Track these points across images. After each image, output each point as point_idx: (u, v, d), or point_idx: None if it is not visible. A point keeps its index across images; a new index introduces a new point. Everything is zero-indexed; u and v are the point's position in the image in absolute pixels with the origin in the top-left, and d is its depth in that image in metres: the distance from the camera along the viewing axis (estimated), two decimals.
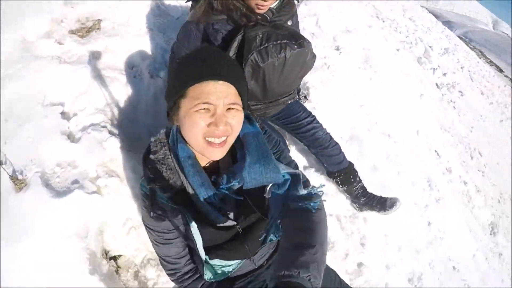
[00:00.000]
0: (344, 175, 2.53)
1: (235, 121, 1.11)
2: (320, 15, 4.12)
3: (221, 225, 1.16)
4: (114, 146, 1.95)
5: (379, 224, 2.71)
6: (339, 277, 1.87)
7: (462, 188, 4.21)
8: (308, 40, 1.79)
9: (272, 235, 1.28)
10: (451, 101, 5.66)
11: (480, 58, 16.95)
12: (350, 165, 2.55)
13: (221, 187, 1.12)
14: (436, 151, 3.99)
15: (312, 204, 1.19)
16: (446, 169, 3.99)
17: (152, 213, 1.15)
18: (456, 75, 7.12)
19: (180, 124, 1.14)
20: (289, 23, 1.95)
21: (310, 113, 2.38)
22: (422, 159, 3.60)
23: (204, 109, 1.06)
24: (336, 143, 2.46)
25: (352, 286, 2.14)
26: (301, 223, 1.18)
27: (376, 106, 3.50)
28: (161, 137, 1.21)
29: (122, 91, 2.29)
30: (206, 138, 1.08)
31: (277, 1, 1.82)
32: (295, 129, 2.36)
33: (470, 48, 17.04)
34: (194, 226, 1.14)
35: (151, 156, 1.17)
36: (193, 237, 1.16)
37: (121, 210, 1.84)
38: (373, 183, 2.79)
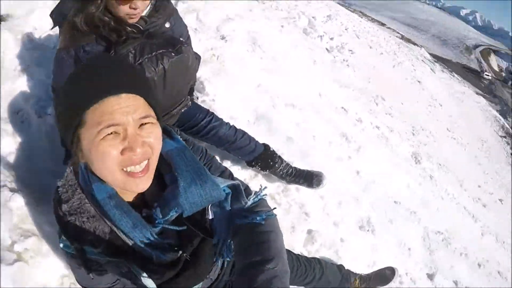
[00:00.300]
0: (262, 161, 2.53)
1: (153, 138, 0.93)
2: (199, 9, 4.20)
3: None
4: (20, 203, 1.79)
5: (311, 195, 2.85)
6: (292, 254, 1.97)
7: (377, 133, 4.59)
8: (186, 44, 1.74)
9: (225, 255, 1.18)
10: (344, 60, 6.16)
11: (362, 17, 18.53)
12: (266, 148, 2.54)
13: (157, 222, 0.97)
14: (342, 107, 4.30)
15: (258, 218, 1.10)
16: (356, 120, 4.32)
17: (88, 272, 0.99)
18: (343, 36, 7.77)
19: (87, 160, 0.93)
20: (167, 25, 1.86)
21: (207, 111, 2.32)
22: (332, 118, 3.88)
23: (111, 133, 0.85)
24: (244, 133, 2.44)
25: (310, 256, 2.24)
26: (253, 238, 1.09)
27: (273, 81, 3.70)
28: (69, 178, 1.01)
29: (12, 141, 2.11)
30: (124, 169, 0.90)
31: (148, 7, 1.72)
32: (196, 133, 2.28)
33: (351, 11, 18.48)
34: (144, 276, 1.01)
35: (64, 207, 0.97)
36: (144, 285, 1.03)
37: (53, 270, 1.71)
38: (293, 154, 2.93)
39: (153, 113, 0.94)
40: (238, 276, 1.05)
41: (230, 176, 1.29)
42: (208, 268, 1.25)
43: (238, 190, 1.13)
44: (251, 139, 2.46)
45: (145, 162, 0.92)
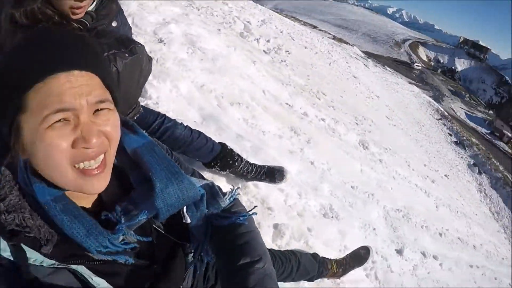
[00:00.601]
0: (221, 160, 2.43)
1: (111, 127, 0.76)
2: (134, 14, 4.09)
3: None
4: None
5: (271, 190, 2.83)
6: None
7: (323, 124, 4.72)
8: (140, 43, 1.60)
9: (204, 261, 1.13)
10: (282, 60, 6.32)
11: (294, 22, 19.25)
12: (223, 147, 2.44)
13: (118, 227, 0.80)
14: (287, 103, 4.36)
15: (242, 218, 1.05)
16: (302, 114, 4.40)
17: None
18: (278, 39, 8.00)
19: (28, 155, 0.72)
20: (114, 24, 1.67)
21: (159, 113, 2.17)
22: (278, 113, 3.89)
23: (60, 121, 0.68)
24: (200, 133, 2.33)
25: (282, 249, 2.20)
26: (236, 240, 1.04)
27: (216, 82, 3.69)
28: (5, 174, 0.76)
29: None
30: (76, 166, 0.72)
31: (94, 1, 1.51)
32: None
33: (283, 16, 19.14)
34: (101, 284, 0.80)
35: (1, 206, 0.73)
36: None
37: None
38: (245, 151, 2.89)
39: (110, 97, 0.77)
40: (227, 279, 1.01)
41: (200, 177, 1.16)
42: (182, 276, 1.12)
43: (214, 190, 1.05)
44: (207, 138, 2.37)
45: (102, 156, 0.76)
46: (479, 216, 11.94)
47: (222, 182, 2.59)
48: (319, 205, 3.12)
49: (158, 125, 2.11)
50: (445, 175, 11.04)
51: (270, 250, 1.89)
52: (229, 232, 1.05)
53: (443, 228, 5.85)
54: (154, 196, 0.84)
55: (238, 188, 1.14)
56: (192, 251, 1.06)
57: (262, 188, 2.68)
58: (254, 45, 5.92)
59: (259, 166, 2.67)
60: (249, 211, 1.09)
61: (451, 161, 16.23)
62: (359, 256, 2.54)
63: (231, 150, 2.50)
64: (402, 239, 4.01)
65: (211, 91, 3.39)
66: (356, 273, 2.58)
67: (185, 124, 2.29)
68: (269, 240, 2.46)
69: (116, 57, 1.46)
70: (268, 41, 6.63)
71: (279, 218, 2.61)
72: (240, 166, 2.53)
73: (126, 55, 1.50)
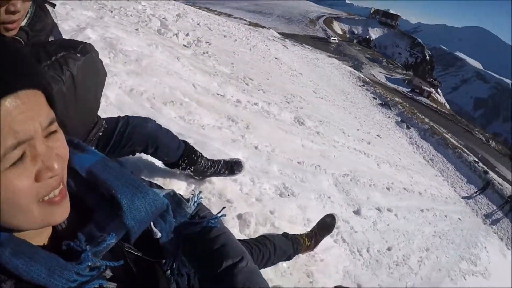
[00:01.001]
0: (188, 157, 2.24)
1: (63, 148, 0.67)
2: None
3: None
4: None
5: (225, 182, 2.78)
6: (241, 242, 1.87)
7: (257, 108, 4.79)
8: (89, 43, 1.38)
9: (182, 273, 1.04)
10: (204, 52, 6.23)
11: (209, 12, 19.14)
12: (186, 144, 2.24)
13: (84, 255, 0.70)
14: (218, 94, 4.32)
15: (212, 221, 1.01)
16: (235, 102, 4.42)
17: None
18: (197, 31, 7.91)
19: None
20: (51, 39, 1.40)
21: (118, 117, 1.90)
22: (212, 105, 3.85)
23: (19, 158, 0.56)
24: (167, 129, 2.08)
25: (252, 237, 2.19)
26: (212, 245, 1.00)
27: (145, 83, 3.53)
28: None
29: None
30: (42, 199, 0.62)
31: (28, 14, 1.24)
32: (119, 141, 1.82)
33: (197, 8, 18.96)
34: None
35: None
36: None
37: None
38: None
39: (53, 114, 0.66)
40: (213, 286, 0.98)
41: (157, 187, 1.07)
42: None
43: (176, 198, 0.98)
44: (174, 134, 2.14)
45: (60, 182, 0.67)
46: (416, 165, 12.92)
47: (181, 184, 2.51)
48: (273, 187, 3.16)
49: (124, 125, 1.83)
50: (378, 135, 11.74)
51: (244, 241, 1.89)
52: (202, 238, 1.01)
53: (389, 183, 6.27)
54: (122, 214, 0.77)
55: (200, 192, 1.07)
56: (169, 267, 0.98)
57: (216, 182, 2.63)
58: (174, 41, 5.78)
59: (217, 161, 2.56)
60: (218, 213, 1.05)
61: (380, 122, 17.30)
62: (326, 225, 2.60)
63: (193, 146, 2.34)
64: (356, 201, 4.23)
65: (142, 94, 3.25)
66: (326, 242, 2.65)
67: (152, 119, 2.06)
68: (237, 232, 2.42)
69: (68, 60, 1.24)
70: (187, 35, 6.52)
71: (241, 208, 2.59)
72: (202, 163, 2.39)
73: (78, 55, 1.28)
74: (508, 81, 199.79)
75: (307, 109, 6.96)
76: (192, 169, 2.34)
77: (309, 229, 2.59)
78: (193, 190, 1.05)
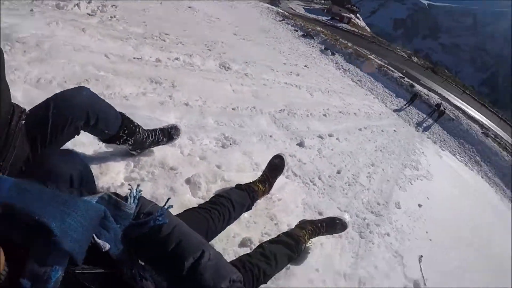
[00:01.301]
0: (127, 126, 1.99)
1: None
2: None
3: None
4: None
5: (164, 150, 2.58)
6: (200, 211, 1.80)
7: (179, 63, 4.76)
8: None
9: (148, 277, 0.95)
10: (111, 17, 5.66)
11: None
12: (121, 113, 1.97)
13: None
14: (135, 58, 4.11)
15: (160, 218, 0.93)
16: (155, 62, 4.26)
17: None
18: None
19: None
20: None
21: (47, 98, 1.58)
22: (131, 71, 3.69)
23: None
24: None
25: (207, 199, 2.13)
26: (168, 244, 0.95)
27: (52, 68, 3.04)
28: None
29: None
30: None
31: None
32: (56, 130, 1.53)
33: None
34: None
35: None
36: None
37: None
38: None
39: None
40: (180, 285, 0.95)
41: (89, 193, 0.97)
42: None
43: (113, 200, 0.89)
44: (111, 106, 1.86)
45: None
46: (347, 88, 13.42)
47: (119, 165, 2.32)
48: (214, 140, 3.09)
49: (56, 105, 1.52)
50: (305, 66, 11.90)
51: (200, 207, 1.83)
52: (155, 238, 0.95)
53: (324, 109, 6.46)
54: (56, 240, 0.67)
55: (138, 185, 1.01)
56: (129, 276, 0.90)
57: (155, 153, 2.47)
58: (76, 12, 5.20)
59: (153, 130, 2.37)
60: (164, 205, 0.98)
61: (305, 52, 17.47)
62: (276, 165, 2.58)
63: (127, 116, 2.08)
64: (297, 133, 4.31)
65: (51, 81, 2.88)
66: (279, 180, 2.65)
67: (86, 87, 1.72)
68: (189, 197, 2.31)
69: None
70: (89, 2, 5.87)
71: (187, 172, 2.48)
72: (140, 132, 2.19)
73: None
74: (424, 1, 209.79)
75: (231, 53, 6.79)
76: (132, 141, 2.11)
77: (259, 174, 2.58)
78: (129, 184, 0.95)
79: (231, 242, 2.14)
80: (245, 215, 2.32)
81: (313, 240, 2.43)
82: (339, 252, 2.76)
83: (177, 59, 4.67)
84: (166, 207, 1.00)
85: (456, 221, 5.65)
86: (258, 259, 1.79)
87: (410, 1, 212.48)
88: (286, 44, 16.30)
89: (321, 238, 2.60)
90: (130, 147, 2.23)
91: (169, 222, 0.98)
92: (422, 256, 3.53)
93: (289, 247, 2.06)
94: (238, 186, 2.25)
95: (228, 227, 1.94)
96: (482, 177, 18.28)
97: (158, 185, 2.24)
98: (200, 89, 3.94)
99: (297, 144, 4.05)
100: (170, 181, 2.32)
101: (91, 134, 1.84)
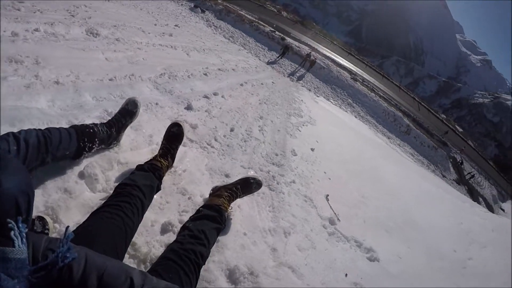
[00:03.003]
0: (84, 134, 2.05)
1: None
2: None
3: None
4: None
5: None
6: (113, 216, 1.61)
7: (39, 35, 4.13)
8: None
9: None
10: None
11: None
12: (72, 126, 2.04)
13: None
14: (13, 33, 3.47)
15: (67, 255, 0.77)
16: (11, 36, 3.64)
17: None
18: None
19: None
20: None
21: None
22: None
23: None
24: (48, 128, 1.78)
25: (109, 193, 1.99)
26: (88, 283, 0.83)
27: None
28: None
29: None
30: None
31: None
32: None
33: None
34: None
35: None
36: None
37: None
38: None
39: None
40: None
41: None
42: None
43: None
44: (55, 128, 1.83)
45: None
46: (220, 45, 13.52)
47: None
48: (97, 119, 2.69)
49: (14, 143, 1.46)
50: (176, 25, 11.58)
51: (109, 205, 1.64)
52: (69, 282, 0.81)
53: (204, 68, 6.48)
54: None
55: (19, 218, 0.82)
56: None
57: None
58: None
59: (115, 115, 2.43)
60: (64, 237, 0.83)
61: (174, 12, 16.88)
62: (174, 134, 2.50)
63: (80, 124, 2.09)
64: (183, 97, 4.26)
65: None
66: (180, 150, 2.63)
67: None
68: (90, 194, 2.04)
69: None
70: None
71: (77, 165, 2.20)
72: (100, 131, 2.17)
73: None
74: None
75: (97, 17, 6.23)
76: (97, 143, 2.13)
77: (156, 147, 2.51)
78: (10, 221, 0.83)
79: (152, 233, 2.06)
80: (156, 197, 2.24)
81: (231, 204, 2.48)
82: (257, 210, 2.91)
83: (36, 30, 4.11)
84: (67, 237, 0.84)
85: (344, 157, 6.29)
86: (190, 242, 1.75)
87: None
88: (154, 3, 15.53)
89: (237, 201, 2.68)
90: (103, 146, 2.25)
91: (77, 256, 0.84)
92: (328, 195, 3.91)
93: (214, 219, 2.04)
94: (140, 167, 2.10)
95: (144, 215, 1.85)
96: (356, 117, 20.70)
97: (48, 191, 1.88)
98: (69, 62, 3.54)
99: (185, 108, 4.01)
100: (61, 182, 1.98)
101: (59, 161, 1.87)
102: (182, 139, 2.57)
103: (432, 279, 3.53)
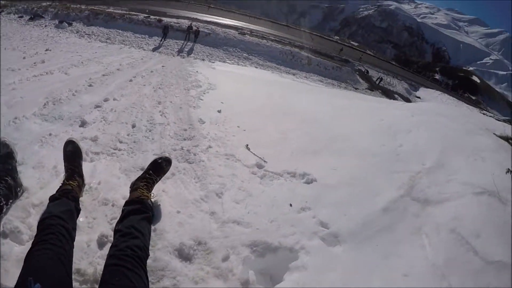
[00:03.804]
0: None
1: None
2: None
3: None
4: None
5: None
6: None
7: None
8: None
9: None
10: None
11: None
12: None
13: None
14: None
15: None
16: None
17: None
18: None
19: None
20: None
21: None
22: None
23: None
24: None
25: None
26: None
27: None
28: None
29: None
30: None
31: None
32: None
33: None
34: None
35: None
36: None
37: None
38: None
39: None
40: None
41: None
42: None
43: None
44: None
45: None
46: (99, 51, 12.97)
47: None
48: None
49: None
50: (47, 50, 10.86)
51: (37, 243, 1.63)
52: None
53: (87, 81, 6.32)
54: None
55: None
56: None
57: None
58: None
59: None
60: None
61: (41, 36, 15.60)
62: (70, 152, 2.52)
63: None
64: (74, 116, 4.17)
65: None
66: (87, 167, 2.65)
67: None
68: (18, 248, 2.00)
69: None
70: None
71: None
72: None
73: None
74: None
75: None
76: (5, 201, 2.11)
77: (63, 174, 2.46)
78: None
79: (91, 252, 2.07)
80: (81, 219, 2.25)
81: (154, 192, 2.52)
82: (183, 186, 2.97)
83: None
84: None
85: (254, 105, 6.41)
86: (123, 241, 1.78)
87: None
88: (17, 36, 14.26)
89: (160, 186, 2.74)
90: (12, 200, 2.20)
91: None
92: (247, 145, 4.04)
93: (138, 211, 2.09)
94: (52, 198, 2.09)
95: (76, 239, 1.86)
96: (256, 67, 21.06)
97: None
98: None
99: (80, 126, 3.91)
100: None
101: None
102: (81, 153, 2.57)
103: (371, 173, 3.76)
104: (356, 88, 26.78)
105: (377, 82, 32.34)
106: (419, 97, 34.41)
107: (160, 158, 2.70)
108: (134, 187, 2.45)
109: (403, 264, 2.43)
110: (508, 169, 3.14)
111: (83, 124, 3.95)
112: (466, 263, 2.41)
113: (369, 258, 2.49)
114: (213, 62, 18.01)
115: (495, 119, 11.06)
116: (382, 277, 2.31)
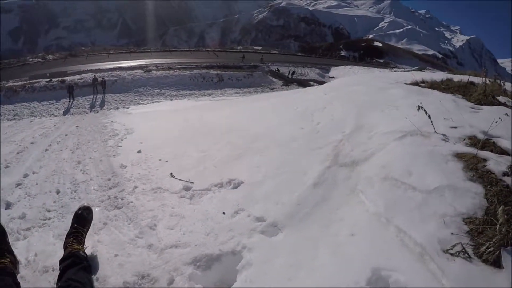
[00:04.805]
0: None
1: None
2: None
3: None
4: None
5: None
6: None
7: None
8: None
9: None
10: None
11: None
12: None
13: None
14: None
15: None
16: None
17: None
18: None
19: None
20: None
21: None
22: None
23: None
24: None
25: None
26: None
27: None
28: None
29: None
30: None
31: None
32: None
33: None
34: None
35: None
36: None
37: None
38: None
39: None
40: None
41: None
42: None
43: None
44: None
45: None
46: (7, 130, 12.21)
47: None
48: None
49: None
50: None
51: None
52: None
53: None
54: None
55: None
56: None
57: None
58: None
59: None
60: None
61: None
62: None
63: None
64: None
65: None
66: (22, 244, 2.75)
67: None
68: None
69: None
70: None
71: None
72: None
73: None
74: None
75: None
76: None
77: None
78: None
79: None
80: None
81: (87, 244, 2.63)
82: (117, 231, 3.08)
83: None
84: None
85: (171, 136, 6.65)
86: None
87: (22, 4, 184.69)
88: None
89: (94, 237, 2.86)
90: None
91: None
92: (171, 173, 4.25)
93: (73, 263, 2.17)
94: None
95: None
96: (171, 99, 21.15)
97: None
98: None
99: (5, 209, 3.83)
100: None
101: None
102: (4, 231, 2.58)
103: (295, 157, 4.00)
104: (273, 88, 27.74)
105: (290, 77, 33.63)
106: (332, 77, 36.12)
107: (80, 208, 2.80)
108: (65, 245, 2.52)
109: (347, 225, 2.57)
110: (418, 106, 3.33)
111: (8, 206, 3.89)
112: (407, 200, 2.52)
113: (312, 232, 2.64)
114: (128, 108, 17.94)
115: (406, 72, 12.03)
116: (328, 245, 2.44)
